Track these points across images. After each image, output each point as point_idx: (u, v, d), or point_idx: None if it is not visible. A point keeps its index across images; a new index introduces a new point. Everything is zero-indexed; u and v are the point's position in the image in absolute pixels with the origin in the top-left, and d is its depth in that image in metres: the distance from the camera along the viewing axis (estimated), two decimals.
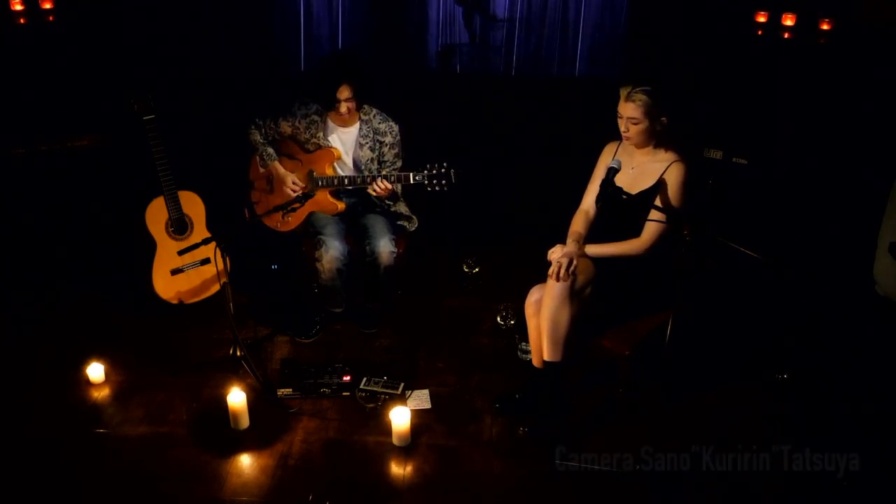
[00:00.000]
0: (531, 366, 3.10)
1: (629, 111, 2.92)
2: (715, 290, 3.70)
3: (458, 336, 3.65)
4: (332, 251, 3.43)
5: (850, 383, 3.22)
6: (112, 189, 4.33)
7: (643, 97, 2.89)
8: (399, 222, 3.65)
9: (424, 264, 4.14)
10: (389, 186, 3.37)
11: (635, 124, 2.93)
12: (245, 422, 3.05)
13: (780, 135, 4.22)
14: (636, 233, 3.00)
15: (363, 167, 3.59)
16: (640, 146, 3.03)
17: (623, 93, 2.93)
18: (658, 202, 2.96)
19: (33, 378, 3.33)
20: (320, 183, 3.53)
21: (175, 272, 3.63)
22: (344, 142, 3.58)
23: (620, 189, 2.91)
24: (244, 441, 3.00)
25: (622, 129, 2.98)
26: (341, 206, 3.58)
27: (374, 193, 3.42)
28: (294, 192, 3.52)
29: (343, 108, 3.40)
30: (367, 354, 3.52)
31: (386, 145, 3.56)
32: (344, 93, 3.36)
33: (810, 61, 4.10)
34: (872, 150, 4.00)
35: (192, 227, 3.66)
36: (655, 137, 2.99)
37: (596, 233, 3.13)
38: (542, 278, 2.97)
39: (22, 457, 2.91)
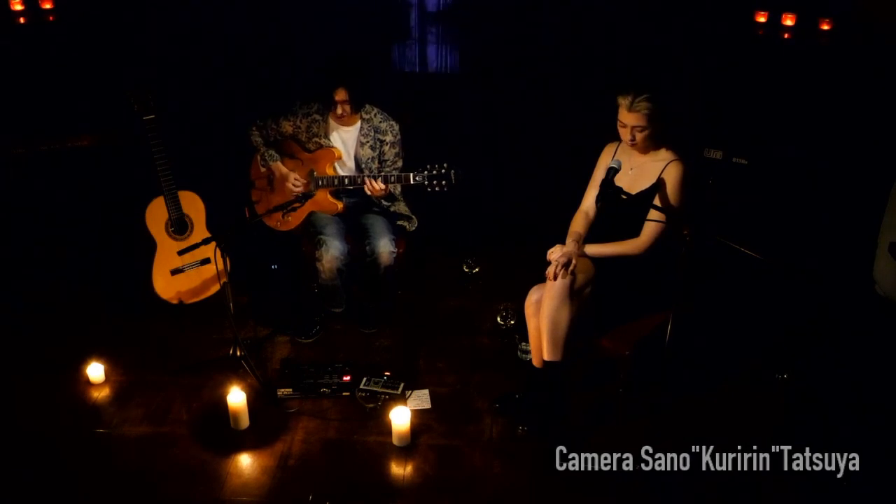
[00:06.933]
0: (531, 366, 3.10)
1: (634, 120, 2.90)
2: (715, 290, 3.70)
3: (458, 336, 3.65)
4: (332, 251, 3.43)
5: (850, 383, 3.22)
6: (112, 189, 4.33)
7: (647, 104, 2.87)
8: (399, 222, 3.65)
9: (424, 264, 4.14)
10: (384, 187, 3.38)
11: (641, 132, 2.92)
12: (245, 422, 3.05)
13: (780, 135, 4.21)
14: (636, 233, 3.00)
15: (364, 166, 3.59)
16: (645, 151, 3.02)
17: (625, 102, 2.90)
18: (657, 202, 2.96)
19: (33, 378, 3.33)
20: (320, 183, 3.53)
21: (175, 272, 3.63)
22: (345, 140, 3.59)
23: (620, 189, 2.91)
24: (244, 441, 3.01)
25: (628, 138, 2.96)
26: (340, 205, 3.58)
27: (368, 192, 3.43)
28: (297, 189, 3.53)
29: (339, 109, 3.42)
30: (367, 354, 3.52)
31: (386, 144, 3.57)
32: (340, 95, 3.37)
33: (810, 61, 4.09)
34: (872, 150, 3.99)
35: (192, 227, 3.66)
36: (658, 139, 2.99)
37: (596, 233, 3.13)
38: (541, 278, 2.97)
39: (22, 456, 2.91)
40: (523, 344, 3.40)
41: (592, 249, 3.03)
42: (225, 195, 3.82)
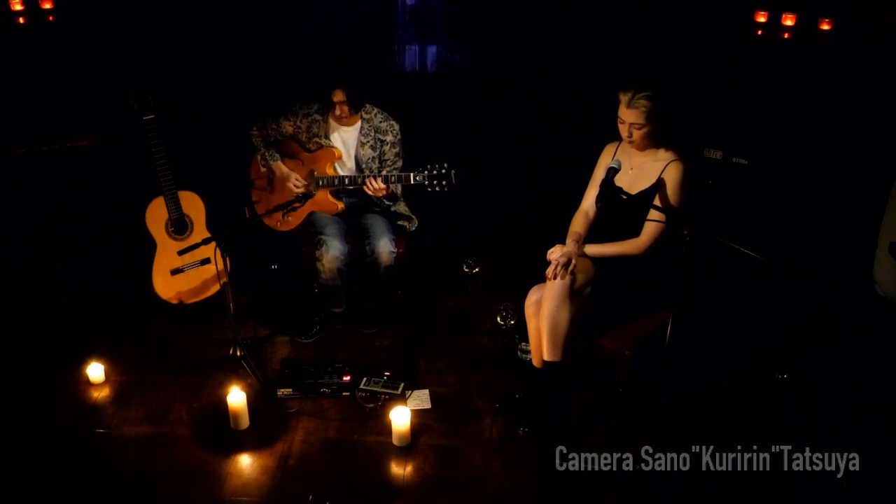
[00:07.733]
0: (531, 366, 3.10)
1: (632, 117, 2.91)
2: (715, 290, 3.70)
3: (458, 336, 3.65)
4: (332, 251, 3.44)
5: (850, 383, 3.22)
6: (112, 189, 4.33)
7: (646, 102, 2.88)
8: (399, 222, 3.65)
9: (424, 264, 4.14)
10: (384, 186, 3.38)
11: (639, 129, 2.93)
12: (245, 422, 3.05)
13: (780, 135, 4.21)
14: (636, 233, 3.00)
15: (364, 166, 3.60)
16: (642, 149, 3.03)
17: (624, 98, 2.91)
18: (657, 202, 2.96)
19: (33, 378, 3.33)
20: (321, 182, 3.54)
21: (175, 272, 3.63)
22: (345, 140, 3.59)
23: (620, 189, 2.91)
24: (244, 441, 3.01)
25: (625, 134, 2.97)
26: (341, 205, 3.58)
27: (368, 192, 3.43)
28: (297, 188, 3.53)
29: (337, 110, 3.43)
30: (367, 354, 3.52)
31: (387, 144, 3.57)
32: (337, 96, 3.38)
33: (810, 61, 4.09)
34: (872, 150, 3.99)
35: (192, 227, 3.66)
36: (657, 138, 2.99)
37: (596, 233, 3.13)
38: (541, 278, 2.97)
39: (22, 457, 2.91)
40: (523, 344, 3.40)
41: (592, 249, 3.03)
42: (225, 195, 3.82)
